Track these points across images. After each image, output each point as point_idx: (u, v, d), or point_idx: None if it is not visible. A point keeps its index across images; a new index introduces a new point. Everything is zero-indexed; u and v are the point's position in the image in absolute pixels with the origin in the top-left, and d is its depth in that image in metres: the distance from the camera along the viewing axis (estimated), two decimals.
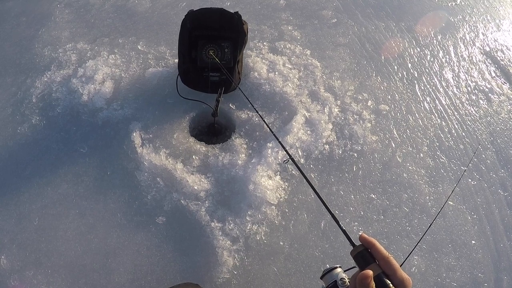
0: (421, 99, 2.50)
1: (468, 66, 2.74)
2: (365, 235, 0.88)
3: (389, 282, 0.82)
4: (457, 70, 2.71)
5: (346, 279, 0.91)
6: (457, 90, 2.59)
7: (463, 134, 2.35)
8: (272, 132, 1.60)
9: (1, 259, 1.79)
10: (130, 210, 1.93)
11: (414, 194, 2.06)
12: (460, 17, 3.12)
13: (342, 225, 1.01)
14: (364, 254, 0.88)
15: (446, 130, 2.35)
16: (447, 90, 2.58)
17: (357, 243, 0.91)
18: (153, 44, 2.67)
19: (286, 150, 1.44)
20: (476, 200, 2.08)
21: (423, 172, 2.15)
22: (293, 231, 1.90)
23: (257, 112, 1.88)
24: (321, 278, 0.96)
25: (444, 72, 2.69)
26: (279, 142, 1.51)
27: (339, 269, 0.94)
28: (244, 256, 1.81)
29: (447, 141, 2.30)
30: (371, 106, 2.39)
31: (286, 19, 2.91)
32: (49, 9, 2.96)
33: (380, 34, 2.90)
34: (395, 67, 2.67)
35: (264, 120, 1.75)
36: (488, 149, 2.30)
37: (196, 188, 1.96)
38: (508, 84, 2.65)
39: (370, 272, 0.80)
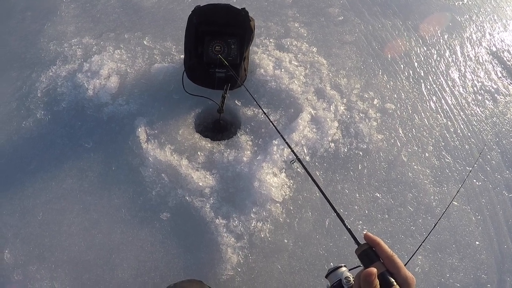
0: (427, 98, 2.49)
1: (474, 66, 2.73)
2: (370, 234, 0.89)
3: (393, 280, 0.82)
4: (463, 70, 2.70)
5: (351, 278, 0.92)
6: (463, 90, 2.58)
7: (469, 134, 2.34)
8: (280, 133, 1.59)
9: (5, 253, 1.79)
10: (135, 206, 1.94)
11: (419, 194, 2.05)
12: (467, 16, 3.10)
13: (347, 224, 1.01)
14: (369, 253, 0.88)
15: (451, 130, 2.34)
16: (453, 89, 2.57)
17: (362, 241, 0.91)
18: (159, 39, 2.67)
19: (293, 151, 1.44)
20: (481, 201, 2.07)
21: (428, 171, 2.14)
22: (298, 229, 1.90)
23: (266, 115, 1.88)
24: (326, 276, 0.97)
25: (450, 71, 2.68)
26: (287, 143, 1.50)
27: (344, 268, 0.95)
28: (248, 253, 1.81)
29: (453, 141, 2.29)
30: (377, 105, 2.38)
31: (293, 16, 2.89)
32: (55, 4, 2.96)
33: (387, 33, 2.88)
34: (402, 66, 2.65)
35: (271, 122, 1.74)
36: (494, 149, 2.29)
37: (201, 184, 1.96)
38: None
39: (374, 270, 0.81)
